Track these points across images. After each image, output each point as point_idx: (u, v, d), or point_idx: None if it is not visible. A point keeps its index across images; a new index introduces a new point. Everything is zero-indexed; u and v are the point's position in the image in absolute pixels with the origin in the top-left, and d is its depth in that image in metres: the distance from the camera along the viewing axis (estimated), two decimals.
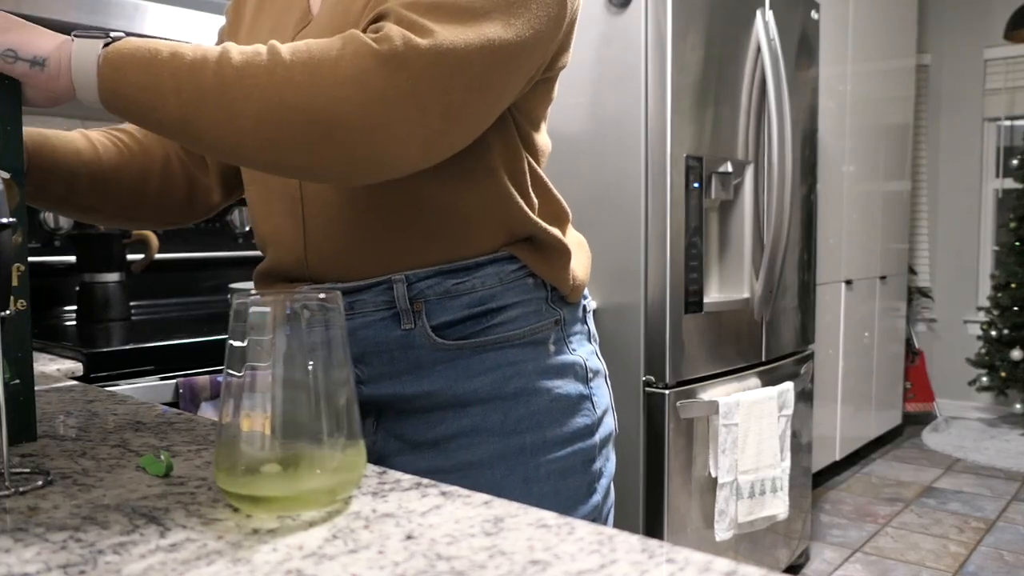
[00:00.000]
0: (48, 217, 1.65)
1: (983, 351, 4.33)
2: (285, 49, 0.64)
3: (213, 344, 1.32)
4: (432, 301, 0.80)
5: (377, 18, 0.69)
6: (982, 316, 4.53)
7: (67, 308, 1.67)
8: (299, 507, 0.50)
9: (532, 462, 0.81)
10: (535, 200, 0.83)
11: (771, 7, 2.28)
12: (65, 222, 1.68)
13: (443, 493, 0.56)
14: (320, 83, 0.63)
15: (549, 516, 0.51)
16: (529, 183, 0.82)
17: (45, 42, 0.65)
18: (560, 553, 0.45)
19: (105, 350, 1.22)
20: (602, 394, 0.88)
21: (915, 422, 4.51)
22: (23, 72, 0.65)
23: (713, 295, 2.28)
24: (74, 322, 1.60)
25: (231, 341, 0.51)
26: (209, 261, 1.93)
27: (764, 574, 0.42)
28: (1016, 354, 4.15)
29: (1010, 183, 4.48)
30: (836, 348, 3.46)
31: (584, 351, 0.87)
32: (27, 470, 0.60)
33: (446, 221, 0.79)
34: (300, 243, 0.82)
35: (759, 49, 2.23)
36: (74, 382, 0.96)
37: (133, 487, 0.56)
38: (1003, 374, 4.22)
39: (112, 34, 0.66)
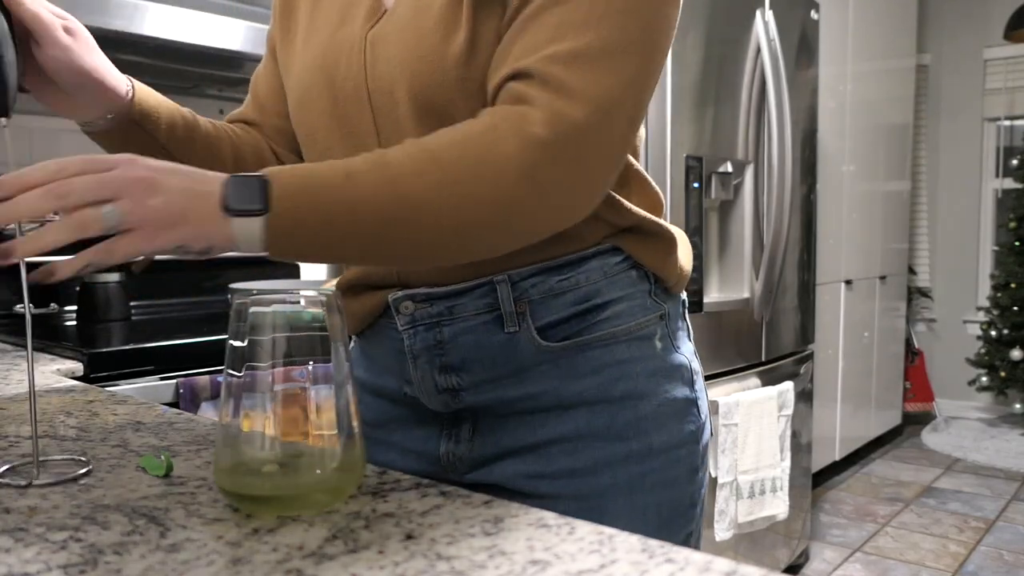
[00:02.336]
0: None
1: (983, 351, 4.33)
2: (443, 155, 0.63)
3: (213, 344, 1.32)
4: (536, 301, 0.76)
5: (515, 75, 0.66)
6: (982, 316, 4.53)
7: (68, 308, 1.67)
8: (299, 507, 0.50)
9: (637, 469, 0.77)
10: (632, 188, 0.80)
11: (771, 7, 2.28)
12: None
13: (443, 493, 0.56)
14: (493, 189, 0.62)
15: (549, 516, 0.51)
16: (629, 173, 0.80)
17: (208, 228, 0.59)
18: (560, 553, 0.45)
19: (105, 350, 1.22)
20: (704, 397, 0.84)
21: (915, 422, 4.51)
22: (190, 255, 0.62)
23: (713, 295, 2.28)
24: (74, 322, 1.60)
25: (231, 341, 0.51)
26: (209, 261, 1.93)
27: (764, 574, 0.42)
28: (1016, 354, 4.15)
29: (1010, 183, 4.48)
30: (836, 348, 3.46)
31: (687, 350, 0.84)
32: (65, 457, 0.60)
33: None
34: None
35: (759, 49, 2.23)
36: (75, 382, 0.96)
37: (133, 487, 0.56)
38: (1003, 374, 4.22)
39: (264, 176, 0.60)
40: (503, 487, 0.79)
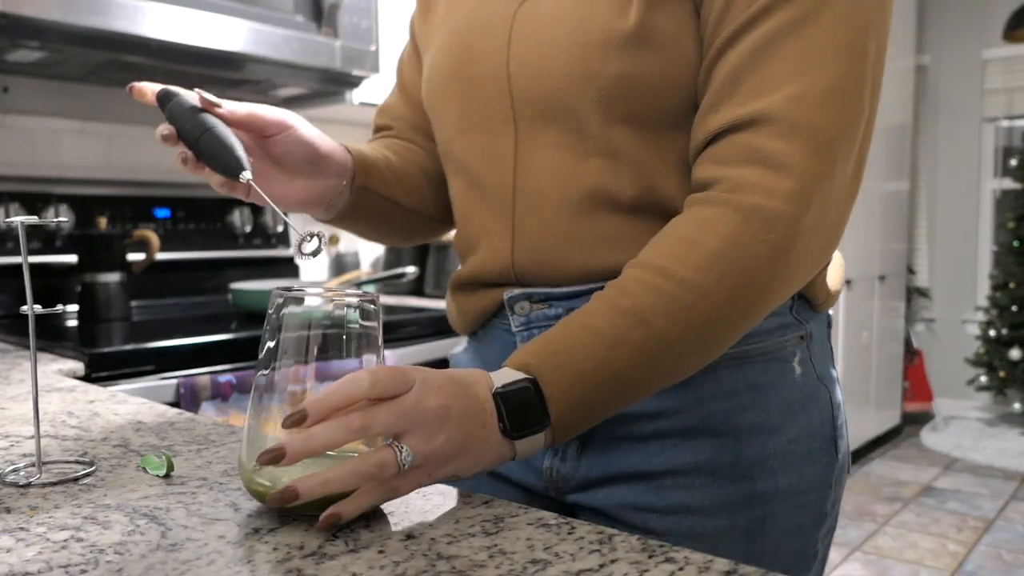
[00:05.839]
0: (49, 217, 1.65)
1: (982, 351, 4.33)
2: (701, 282, 0.59)
3: (214, 344, 1.32)
4: None
5: (752, 121, 0.60)
6: (981, 316, 4.53)
7: (68, 308, 1.67)
8: (327, 507, 0.50)
9: (759, 513, 0.69)
10: None
11: None
12: (66, 222, 1.68)
13: (443, 493, 0.56)
14: (754, 298, 0.60)
15: (549, 516, 0.51)
16: None
17: (485, 456, 0.56)
18: (560, 552, 0.45)
19: (106, 350, 1.22)
20: (845, 435, 0.76)
21: (914, 422, 4.51)
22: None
23: None
24: (75, 322, 1.60)
25: (266, 339, 0.52)
26: (210, 261, 1.93)
27: (764, 574, 0.42)
28: (1014, 354, 4.15)
29: (1009, 183, 4.48)
30: (835, 348, 3.46)
31: (829, 378, 0.76)
32: (66, 457, 0.60)
33: (672, 217, 0.67)
34: (507, 246, 0.73)
35: None
36: (76, 382, 0.97)
37: (134, 487, 0.56)
38: (1002, 374, 4.22)
39: (531, 379, 0.57)
40: (607, 514, 0.72)
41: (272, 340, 0.52)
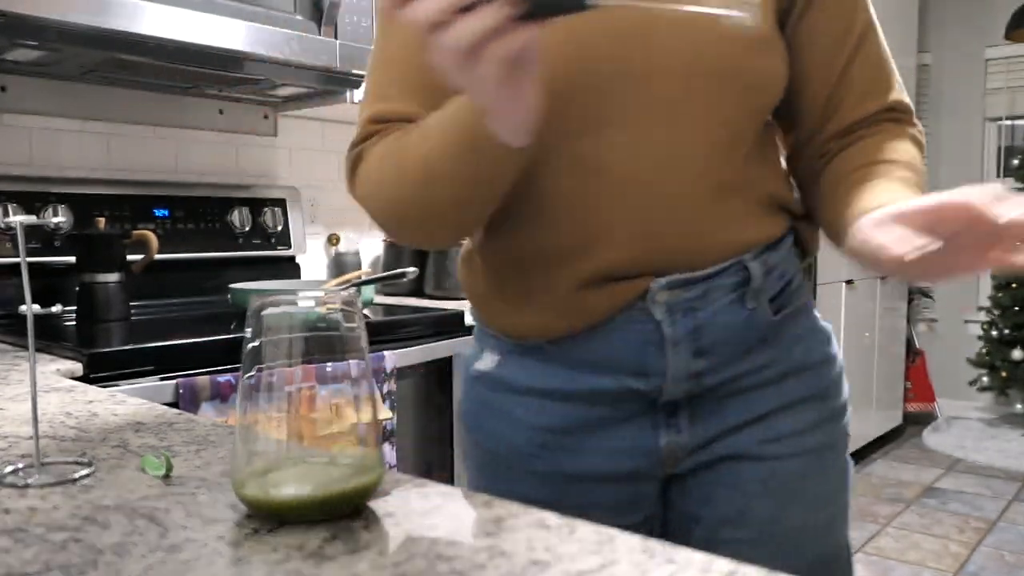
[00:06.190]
0: (48, 216, 1.65)
1: (984, 351, 4.33)
2: (915, 163, 0.80)
3: (213, 344, 1.32)
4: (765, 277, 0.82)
5: (896, 106, 0.83)
6: (983, 316, 4.52)
7: (67, 308, 1.67)
8: (318, 513, 0.50)
9: (831, 428, 0.84)
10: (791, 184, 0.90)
11: None
12: (65, 222, 1.68)
13: (443, 493, 0.56)
14: None
15: (549, 516, 0.51)
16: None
17: None
18: (560, 553, 0.45)
19: (105, 350, 1.22)
20: None
21: (915, 422, 4.51)
22: None
23: None
24: (74, 322, 1.60)
25: (248, 343, 0.52)
26: (209, 261, 1.93)
27: (764, 574, 0.42)
28: (1017, 354, 4.15)
29: (1011, 183, 4.48)
30: (837, 348, 3.45)
31: None
32: (65, 457, 0.60)
33: (771, 201, 0.82)
34: (642, 238, 0.76)
35: None
36: (74, 382, 0.96)
37: (133, 487, 0.56)
38: (1004, 374, 4.21)
39: None
40: (727, 457, 0.82)
41: (253, 342, 0.52)
